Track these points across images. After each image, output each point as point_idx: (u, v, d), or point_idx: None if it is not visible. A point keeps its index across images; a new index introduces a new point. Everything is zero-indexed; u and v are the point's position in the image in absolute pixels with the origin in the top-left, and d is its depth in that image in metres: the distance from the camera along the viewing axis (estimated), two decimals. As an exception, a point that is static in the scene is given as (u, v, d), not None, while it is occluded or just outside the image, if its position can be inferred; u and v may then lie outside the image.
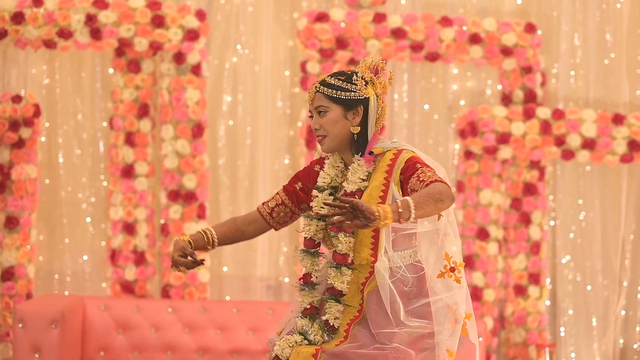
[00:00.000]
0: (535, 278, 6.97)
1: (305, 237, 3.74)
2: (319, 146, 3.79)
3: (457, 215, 6.94)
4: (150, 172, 6.77)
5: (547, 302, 7.10)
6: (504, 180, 6.98)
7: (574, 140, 6.85)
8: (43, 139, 6.88)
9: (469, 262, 6.88)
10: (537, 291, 6.98)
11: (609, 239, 7.19)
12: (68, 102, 6.93)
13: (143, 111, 6.73)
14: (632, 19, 7.18)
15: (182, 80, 6.66)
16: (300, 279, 3.76)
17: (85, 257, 6.95)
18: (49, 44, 6.56)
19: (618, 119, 6.89)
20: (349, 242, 3.65)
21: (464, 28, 6.83)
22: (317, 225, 3.73)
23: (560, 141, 6.85)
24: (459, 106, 7.12)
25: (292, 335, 3.71)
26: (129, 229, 6.73)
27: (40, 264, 6.91)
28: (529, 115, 6.85)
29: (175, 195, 6.68)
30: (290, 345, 3.67)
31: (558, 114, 6.86)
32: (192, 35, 6.59)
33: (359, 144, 3.71)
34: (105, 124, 6.92)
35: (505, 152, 6.85)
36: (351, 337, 3.64)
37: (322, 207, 3.68)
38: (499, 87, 7.07)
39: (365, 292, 3.67)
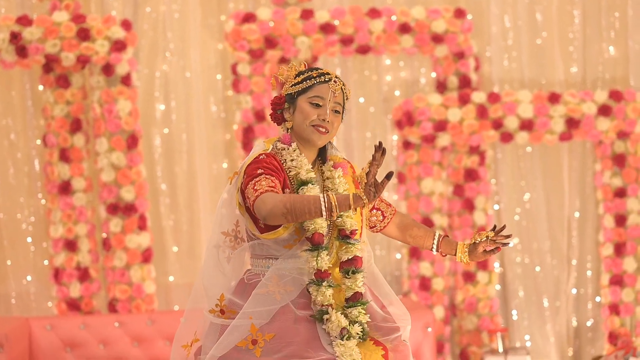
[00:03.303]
0: (483, 263, 6.93)
1: (316, 233, 3.56)
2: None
3: (401, 206, 6.91)
4: (87, 187, 6.70)
5: (498, 287, 7.08)
6: (444, 167, 6.95)
7: (511, 123, 6.83)
8: (-23, 161, 6.81)
9: (416, 252, 6.85)
10: (486, 276, 6.96)
11: (554, 218, 7.18)
12: (0, 122, 6.85)
13: (76, 126, 6.66)
14: (562, -4, 7.17)
15: (113, 92, 6.58)
16: (316, 275, 3.58)
17: (29, 278, 6.87)
18: (-25, 65, 6.49)
19: (554, 98, 6.87)
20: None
21: (393, 18, 6.80)
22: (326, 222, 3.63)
23: (497, 124, 6.83)
24: (394, 97, 7.08)
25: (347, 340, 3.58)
26: (71, 245, 6.65)
27: (-17, 288, 6.84)
28: (464, 101, 6.82)
29: (115, 208, 6.61)
30: (356, 351, 3.57)
31: (494, 98, 6.84)
32: (119, 46, 6.51)
33: (323, 149, 3.76)
34: (39, 141, 6.83)
35: (443, 139, 6.82)
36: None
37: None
38: (433, 74, 7.03)
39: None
